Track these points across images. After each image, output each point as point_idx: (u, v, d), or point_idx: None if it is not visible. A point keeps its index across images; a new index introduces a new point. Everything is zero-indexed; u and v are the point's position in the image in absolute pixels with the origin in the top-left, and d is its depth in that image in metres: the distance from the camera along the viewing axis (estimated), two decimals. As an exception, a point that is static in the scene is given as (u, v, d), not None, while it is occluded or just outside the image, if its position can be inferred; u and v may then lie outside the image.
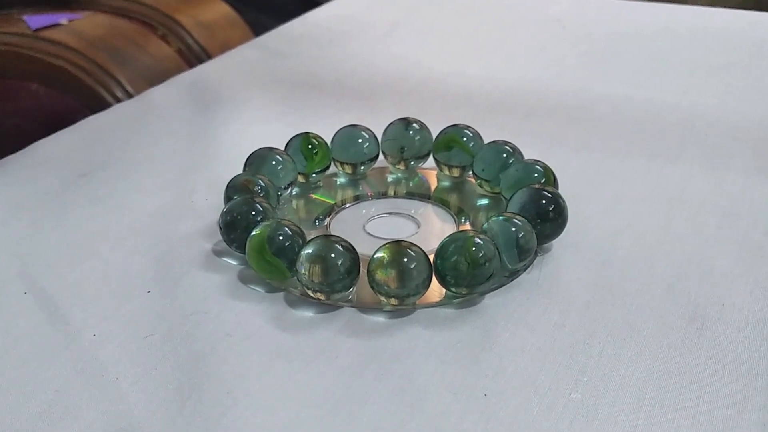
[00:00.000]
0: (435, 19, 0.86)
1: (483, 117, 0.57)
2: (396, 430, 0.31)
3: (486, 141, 0.48)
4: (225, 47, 0.83)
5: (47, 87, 0.83)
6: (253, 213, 0.41)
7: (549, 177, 0.44)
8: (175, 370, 0.35)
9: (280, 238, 0.39)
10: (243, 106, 0.63)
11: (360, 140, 0.49)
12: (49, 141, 0.58)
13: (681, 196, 0.48)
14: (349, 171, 0.49)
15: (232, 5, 1.11)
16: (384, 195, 0.48)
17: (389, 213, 0.47)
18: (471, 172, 0.47)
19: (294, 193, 0.48)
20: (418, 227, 0.45)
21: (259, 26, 0.97)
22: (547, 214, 0.41)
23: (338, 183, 0.50)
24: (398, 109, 0.54)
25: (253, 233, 0.39)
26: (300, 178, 0.48)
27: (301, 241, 0.39)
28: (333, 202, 0.47)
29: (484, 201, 0.47)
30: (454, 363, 0.35)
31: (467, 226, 0.45)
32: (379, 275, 0.37)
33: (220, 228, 0.42)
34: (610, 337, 0.36)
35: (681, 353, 0.35)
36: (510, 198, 0.42)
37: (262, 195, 0.43)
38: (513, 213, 0.40)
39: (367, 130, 0.49)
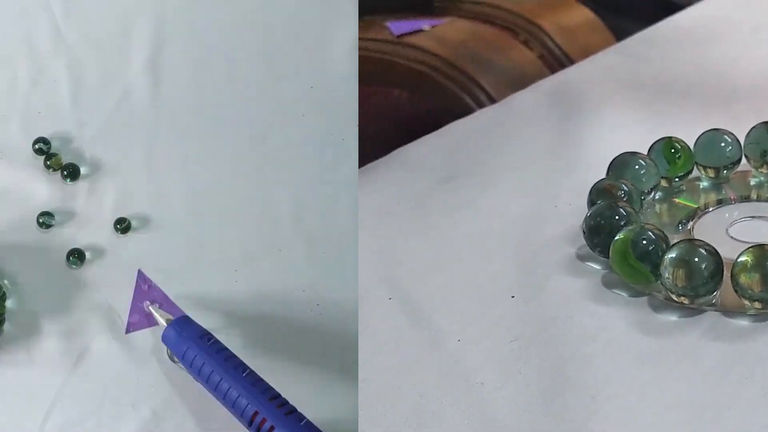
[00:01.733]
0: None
1: None
2: (760, 434, 0.31)
3: None
4: (586, 52, 0.82)
5: (409, 92, 0.86)
6: (617, 217, 0.42)
7: None
8: (539, 374, 0.36)
9: (644, 242, 0.39)
10: (605, 111, 0.62)
11: (723, 144, 0.48)
12: (413, 146, 0.60)
13: None
14: (712, 175, 0.49)
15: (593, 10, 1.10)
16: (747, 198, 0.48)
17: (752, 216, 0.46)
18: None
19: (657, 197, 0.48)
20: (784, 231, 0.44)
21: (620, 31, 0.97)
22: None
23: (701, 187, 0.49)
24: (762, 112, 0.53)
25: (617, 237, 0.40)
26: (663, 183, 0.48)
27: (664, 245, 0.39)
28: (696, 206, 0.47)
29: None
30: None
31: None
32: (743, 279, 0.37)
33: (584, 232, 0.43)
34: None
35: None
36: None
37: (625, 199, 0.44)
38: None
39: (730, 134, 0.49)
